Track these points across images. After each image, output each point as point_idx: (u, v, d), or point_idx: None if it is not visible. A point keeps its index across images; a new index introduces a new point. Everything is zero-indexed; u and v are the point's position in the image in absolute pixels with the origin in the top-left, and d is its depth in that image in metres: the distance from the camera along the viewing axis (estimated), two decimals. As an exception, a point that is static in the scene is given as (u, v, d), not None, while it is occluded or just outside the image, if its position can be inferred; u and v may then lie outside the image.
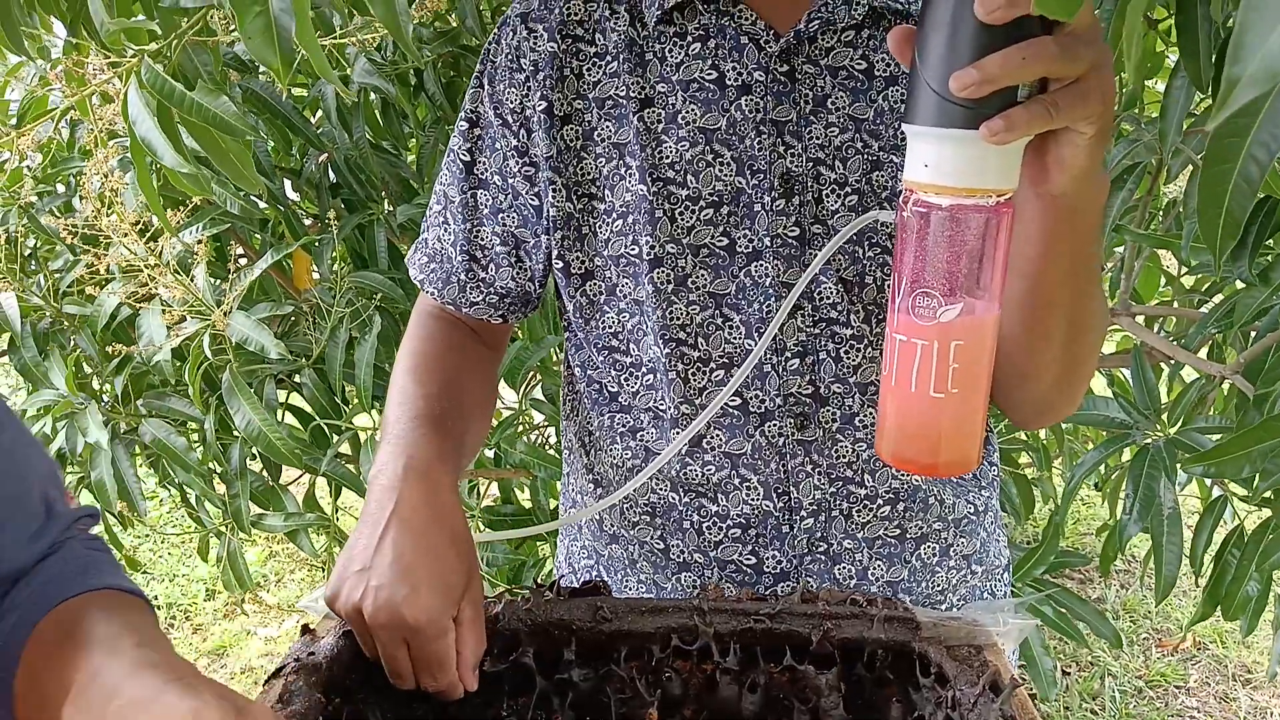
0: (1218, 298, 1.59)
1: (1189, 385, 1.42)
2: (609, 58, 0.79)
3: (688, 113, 0.78)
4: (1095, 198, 0.61)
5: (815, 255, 0.78)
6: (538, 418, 1.90)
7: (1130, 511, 1.25)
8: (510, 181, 0.84)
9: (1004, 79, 0.49)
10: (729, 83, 0.77)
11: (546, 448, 1.99)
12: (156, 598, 3.08)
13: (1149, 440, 1.29)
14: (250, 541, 3.20)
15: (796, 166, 0.77)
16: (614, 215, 0.80)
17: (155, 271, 1.36)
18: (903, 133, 0.77)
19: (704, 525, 0.87)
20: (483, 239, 0.86)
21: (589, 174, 0.81)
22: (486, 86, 0.83)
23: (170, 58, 1.06)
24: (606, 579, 0.94)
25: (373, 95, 1.67)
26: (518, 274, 0.87)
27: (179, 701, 0.50)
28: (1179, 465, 1.25)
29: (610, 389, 0.88)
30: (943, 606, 0.91)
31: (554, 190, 0.81)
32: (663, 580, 0.91)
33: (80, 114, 1.17)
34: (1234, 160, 0.58)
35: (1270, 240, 1.19)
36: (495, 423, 1.68)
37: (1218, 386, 1.46)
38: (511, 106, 0.81)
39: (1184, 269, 1.78)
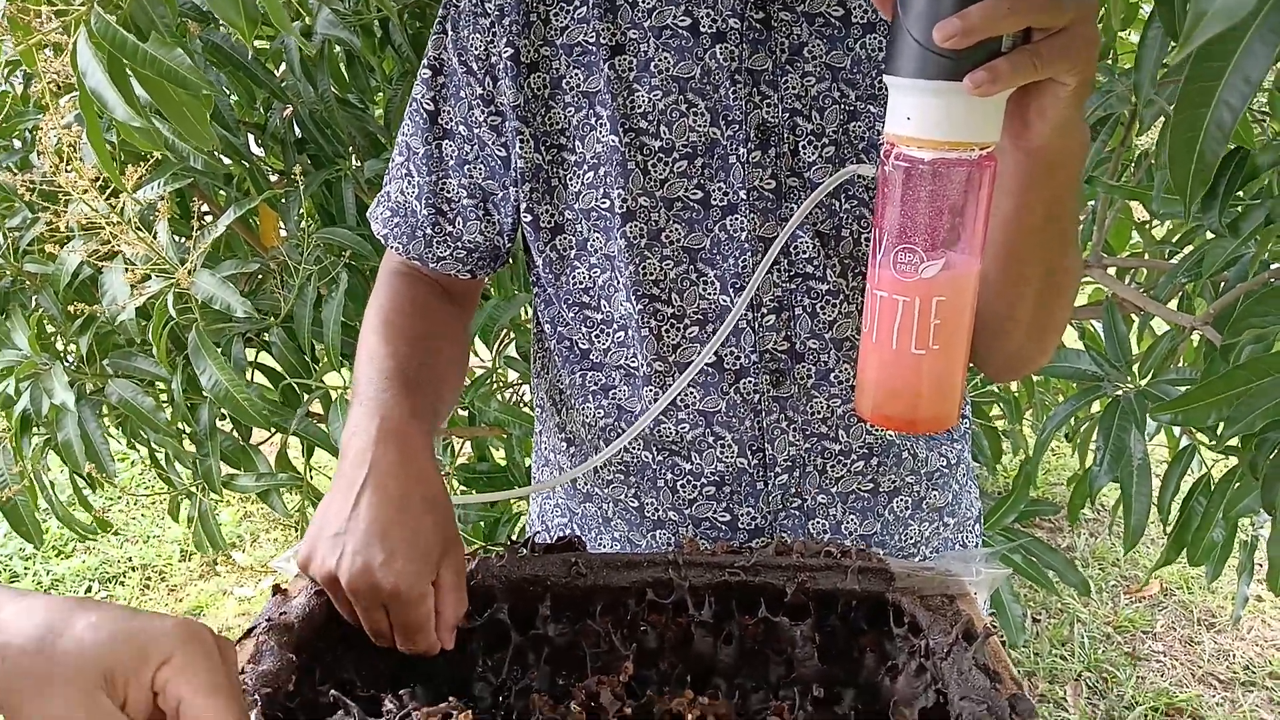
0: (1188, 249, 1.60)
1: (1160, 337, 1.43)
2: (578, 3, 0.77)
3: (660, 60, 0.76)
4: (1076, 150, 0.60)
5: (791, 209, 0.77)
6: (511, 375, 1.89)
7: (1101, 463, 1.27)
8: (476, 131, 0.82)
9: (988, 29, 0.49)
10: (703, 29, 0.75)
11: (521, 405, 1.98)
12: (130, 559, 3.07)
13: (1120, 392, 1.30)
14: (224, 502, 3.19)
15: (772, 117, 0.76)
16: (584, 167, 0.79)
17: (117, 229, 1.33)
18: (880, 83, 0.76)
19: (678, 483, 0.87)
20: (449, 191, 0.84)
21: (558, 124, 0.79)
22: (450, 32, 0.80)
23: (122, 6, 1.02)
24: (581, 537, 0.94)
25: (337, 47, 1.63)
26: (486, 227, 0.85)
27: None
28: (1148, 414, 1.27)
29: (581, 346, 0.87)
30: (915, 559, 0.91)
31: (521, 141, 0.79)
32: (637, 538, 0.90)
33: (27, 65, 1.13)
34: (1206, 105, 0.57)
35: (1240, 191, 1.19)
36: (469, 381, 1.67)
37: (1187, 338, 1.47)
38: (476, 53, 0.79)
39: (1154, 221, 1.79)
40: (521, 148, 0.79)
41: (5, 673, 0.44)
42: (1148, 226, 1.92)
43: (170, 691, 0.45)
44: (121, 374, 1.51)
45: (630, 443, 0.87)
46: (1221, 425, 0.99)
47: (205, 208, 1.78)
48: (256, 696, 0.59)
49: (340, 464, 0.71)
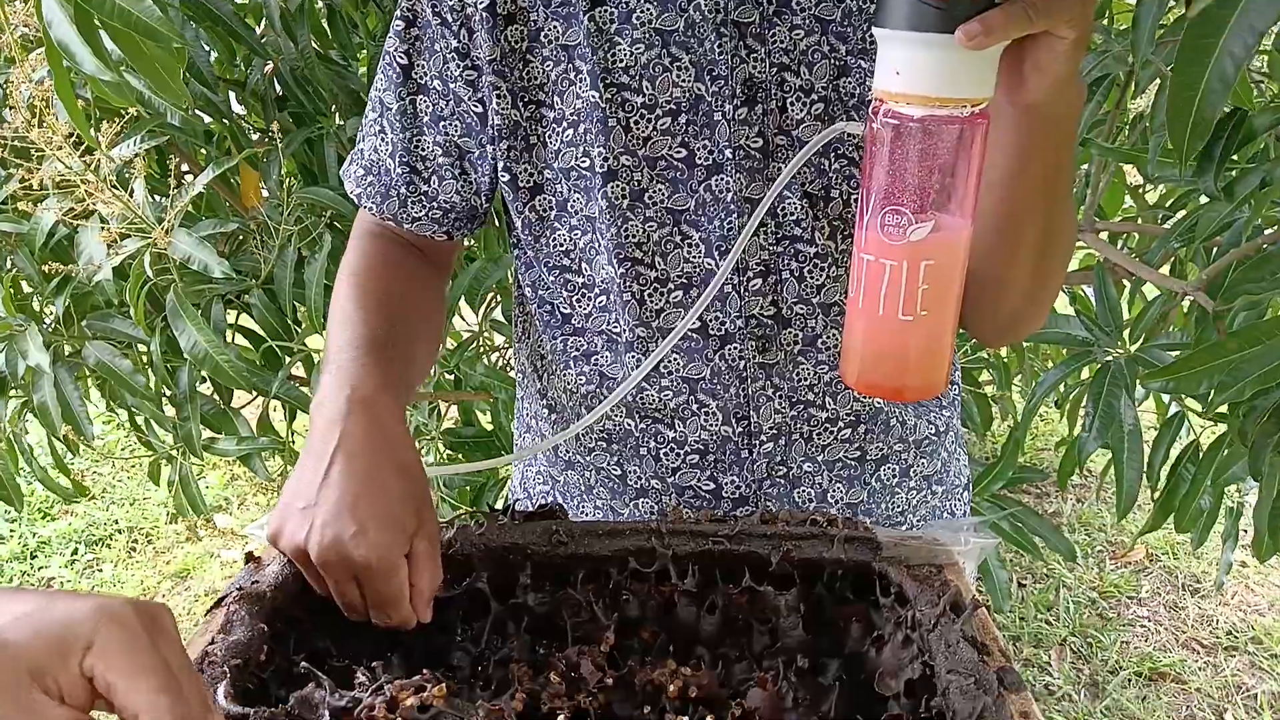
0: (1181, 213, 1.58)
1: (1151, 302, 1.41)
2: None
3: (643, 12, 0.73)
4: (1072, 106, 0.58)
5: (779, 168, 0.75)
6: (498, 339, 1.87)
7: (1090, 429, 1.26)
8: (451, 86, 0.79)
9: None
10: None
11: (507, 369, 1.96)
12: (117, 522, 3.06)
13: (1110, 358, 1.28)
14: (210, 465, 3.17)
15: (759, 72, 0.73)
16: (564, 124, 0.76)
17: (92, 187, 1.30)
18: (872, 36, 0.73)
19: (661, 451, 0.85)
20: (423, 149, 0.82)
21: (536, 79, 0.76)
22: None
23: (91, -46, 0.99)
24: (563, 505, 0.93)
25: (319, 2, 1.59)
26: (462, 187, 0.83)
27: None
28: (1138, 381, 1.26)
29: (562, 310, 0.84)
30: (902, 527, 0.90)
31: (498, 96, 0.76)
32: (620, 506, 0.89)
33: (-7, 15, 1.10)
34: (1208, 56, 0.56)
35: (1235, 154, 1.17)
36: (455, 345, 1.65)
37: (1178, 303, 1.46)
38: (451, 4, 0.75)
39: (1148, 185, 1.77)
40: (498, 103, 0.77)
41: None
42: (1141, 191, 1.90)
43: (98, 677, 0.44)
44: (99, 335, 1.48)
45: (613, 410, 0.85)
46: (1211, 392, 0.98)
47: (185, 167, 1.75)
48: (226, 668, 0.58)
49: (310, 434, 0.69)
